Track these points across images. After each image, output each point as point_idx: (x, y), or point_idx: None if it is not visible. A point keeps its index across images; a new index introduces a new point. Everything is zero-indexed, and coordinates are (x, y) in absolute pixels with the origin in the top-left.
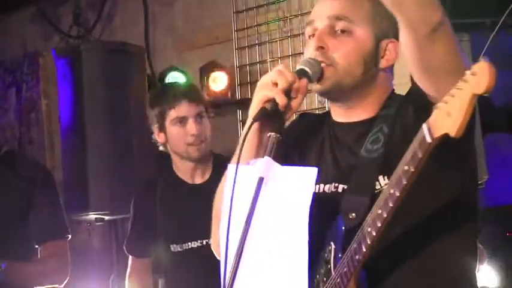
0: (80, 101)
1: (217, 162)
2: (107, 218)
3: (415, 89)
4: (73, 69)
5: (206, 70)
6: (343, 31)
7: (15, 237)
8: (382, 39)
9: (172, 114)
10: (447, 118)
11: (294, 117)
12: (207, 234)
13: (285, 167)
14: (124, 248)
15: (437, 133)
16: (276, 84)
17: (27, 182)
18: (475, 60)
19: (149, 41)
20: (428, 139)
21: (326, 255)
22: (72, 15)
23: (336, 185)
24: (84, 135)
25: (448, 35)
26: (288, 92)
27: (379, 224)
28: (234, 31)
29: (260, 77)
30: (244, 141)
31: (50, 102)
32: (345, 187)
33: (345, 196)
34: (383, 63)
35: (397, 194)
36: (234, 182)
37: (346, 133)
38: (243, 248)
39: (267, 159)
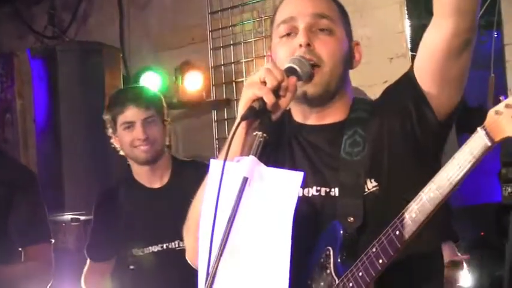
0: (56, 102)
1: (176, 166)
2: (82, 218)
3: (408, 80)
4: (48, 69)
5: (181, 70)
6: (322, 30)
7: None
8: (351, 40)
9: (121, 119)
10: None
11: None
12: (167, 238)
13: (271, 168)
14: (84, 252)
15: (499, 137)
16: (264, 83)
17: (7, 184)
18: None
19: (124, 42)
20: (489, 142)
21: (322, 259)
22: (47, 15)
23: (318, 188)
24: (59, 135)
25: (471, 52)
26: (276, 91)
27: (414, 228)
28: (209, 31)
29: (235, 77)
30: (232, 139)
31: (24, 103)
32: (327, 190)
33: (337, 200)
34: (354, 64)
35: (441, 197)
36: (221, 180)
37: (318, 136)
38: (224, 248)
39: (252, 159)
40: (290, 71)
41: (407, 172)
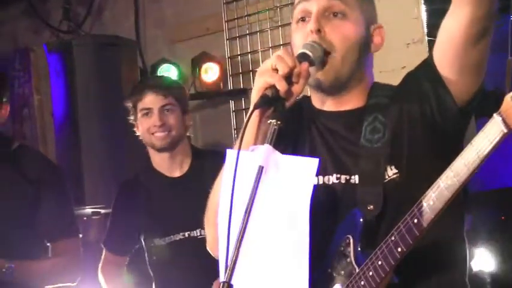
0: (73, 96)
1: (196, 155)
2: (102, 211)
3: (427, 67)
4: (65, 64)
5: (198, 61)
6: (336, 14)
7: (25, 236)
8: (370, 24)
9: (140, 105)
10: None
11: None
12: (189, 227)
13: (286, 156)
14: (102, 244)
15: None
16: (276, 70)
17: (36, 180)
18: None
19: (140, 34)
20: (505, 129)
21: (342, 248)
22: (62, 9)
23: (338, 176)
24: (77, 129)
25: (489, 39)
26: (288, 78)
27: (432, 216)
28: (225, 22)
29: (251, 67)
30: (245, 128)
31: (42, 98)
32: (347, 177)
33: (357, 187)
34: (373, 49)
35: (458, 184)
36: (235, 169)
37: (336, 122)
38: (242, 237)
39: (267, 147)
40: (302, 57)
41: (427, 159)
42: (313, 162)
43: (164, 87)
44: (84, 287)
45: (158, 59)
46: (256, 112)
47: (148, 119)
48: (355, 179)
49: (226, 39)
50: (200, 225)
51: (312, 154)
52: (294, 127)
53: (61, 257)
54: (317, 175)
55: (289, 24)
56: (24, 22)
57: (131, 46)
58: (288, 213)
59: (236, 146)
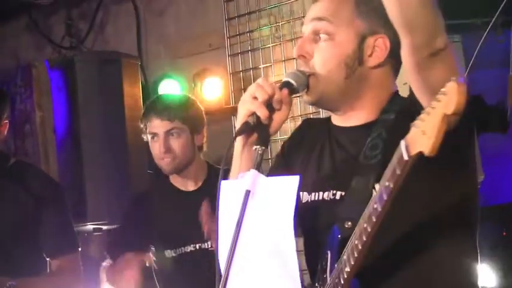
0: (75, 112)
1: (211, 172)
2: (104, 227)
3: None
4: (67, 80)
5: (199, 77)
6: (321, 37)
7: (26, 252)
8: (367, 36)
9: (148, 129)
10: (422, 136)
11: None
12: (200, 239)
13: (269, 177)
14: (105, 252)
15: (414, 151)
16: (256, 98)
17: (36, 196)
18: (468, 61)
19: (142, 50)
20: (406, 157)
21: (323, 263)
22: (64, 25)
23: (334, 192)
24: (79, 146)
25: (448, 57)
26: (270, 105)
27: (364, 238)
28: (227, 38)
29: (254, 82)
30: (227, 155)
31: (44, 114)
32: (342, 194)
33: (341, 204)
34: (372, 61)
35: (379, 209)
36: (219, 198)
37: (345, 137)
38: (231, 263)
39: (253, 172)
40: (285, 85)
41: (415, 179)
42: (294, 180)
43: (170, 111)
44: None
45: (160, 75)
46: (239, 139)
47: (155, 143)
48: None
49: (228, 55)
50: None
51: (319, 170)
52: (312, 143)
53: (62, 273)
54: (317, 191)
55: (291, 40)
56: (26, 38)
57: (133, 62)
58: (274, 232)
59: (231, 173)
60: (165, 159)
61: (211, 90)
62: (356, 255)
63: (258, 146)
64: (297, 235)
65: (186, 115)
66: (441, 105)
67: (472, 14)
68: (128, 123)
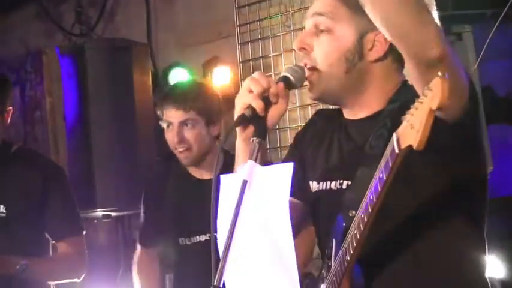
0: (85, 99)
1: (228, 159)
2: (113, 214)
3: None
4: (77, 67)
5: (209, 66)
6: (323, 30)
7: (30, 234)
8: (368, 32)
9: (163, 117)
10: (411, 130)
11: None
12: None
13: (264, 166)
14: (137, 238)
15: (404, 144)
16: (251, 91)
17: (41, 179)
18: (478, 52)
19: (152, 38)
20: (396, 150)
21: (328, 251)
22: (74, 13)
23: (341, 181)
24: (89, 132)
25: (449, 67)
26: (266, 98)
27: (361, 228)
28: (237, 26)
29: (263, 71)
30: (222, 147)
31: (53, 100)
32: (349, 183)
33: (346, 193)
34: (372, 56)
35: (374, 199)
36: (217, 191)
37: (354, 129)
38: (227, 252)
39: (250, 163)
40: (283, 80)
41: (418, 170)
42: (288, 167)
43: (186, 101)
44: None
45: (170, 63)
46: (238, 134)
47: (170, 132)
48: None
49: (238, 44)
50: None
51: (328, 160)
52: (322, 134)
53: (68, 255)
54: (326, 180)
55: (301, 29)
56: (37, 25)
57: (143, 50)
58: (270, 220)
59: (215, 169)
60: (181, 152)
61: (221, 78)
62: (355, 244)
63: (254, 138)
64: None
65: (202, 106)
66: (427, 100)
67: (482, 5)
68: (138, 110)
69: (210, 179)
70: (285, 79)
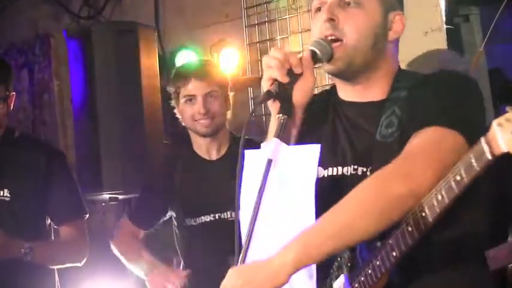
0: (92, 82)
1: (234, 141)
2: (120, 197)
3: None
4: (84, 50)
5: (216, 48)
6: (350, 3)
7: (32, 217)
8: (390, 11)
9: (183, 92)
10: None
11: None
12: (220, 208)
13: (291, 146)
14: (125, 213)
15: (499, 151)
16: (270, 66)
17: (43, 164)
18: (485, 34)
19: (159, 21)
20: (489, 156)
21: None
22: None
23: (355, 167)
24: (96, 115)
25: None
26: (290, 70)
27: (422, 227)
28: (244, 9)
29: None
30: (247, 124)
31: (61, 83)
32: (364, 169)
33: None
34: (391, 35)
35: (447, 201)
36: (240, 166)
37: (357, 113)
38: (253, 229)
39: (275, 141)
40: (310, 54)
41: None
42: (315, 148)
43: (208, 73)
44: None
45: (177, 46)
46: (272, 110)
47: (192, 105)
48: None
49: (245, 26)
50: (231, 207)
51: (334, 145)
52: (319, 118)
53: (70, 239)
54: (337, 166)
55: (308, 11)
56: (45, 8)
57: (150, 33)
58: (295, 200)
59: (241, 143)
60: (203, 121)
61: (228, 61)
62: (410, 241)
63: (280, 115)
64: None
65: (220, 80)
66: None
67: None
68: (145, 93)
69: (216, 160)
70: (312, 54)
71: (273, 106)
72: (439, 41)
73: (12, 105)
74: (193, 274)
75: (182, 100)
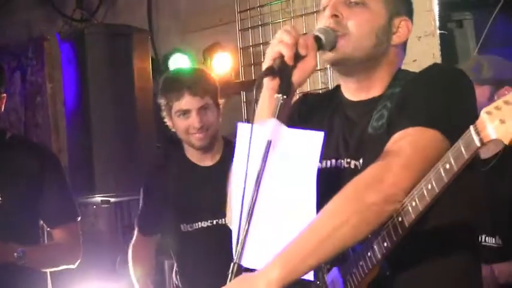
0: (85, 84)
1: (227, 146)
2: (112, 200)
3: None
4: (77, 52)
5: (209, 52)
6: (357, 3)
7: (24, 221)
8: (395, 16)
9: (176, 106)
10: (501, 125)
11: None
12: (216, 215)
13: (293, 129)
14: (135, 224)
15: (487, 138)
16: (282, 41)
17: (36, 166)
18: (478, 38)
19: (152, 24)
20: (478, 143)
21: None
22: None
23: (348, 160)
24: (89, 118)
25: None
26: (296, 50)
27: (413, 216)
28: (237, 13)
29: (263, 58)
30: (257, 99)
31: (54, 86)
32: (357, 163)
33: (355, 174)
34: (395, 40)
35: (437, 190)
36: (250, 143)
37: (356, 112)
38: (253, 209)
39: (274, 121)
40: (314, 38)
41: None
42: (318, 135)
43: (201, 87)
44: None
45: (170, 49)
46: (267, 85)
47: (185, 120)
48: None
49: (239, 30)
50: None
51: (329, 139)
52: (318, 114)
53: (63, 242)
54: (330, 159)
55: (301, 15)
56: (38, 11)
57: (143, 35)
58: (295, 185)
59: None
60: (198, 135)
61: (221, 64)
62: (401, 232)
63: (279, 95)
64: None
65: (212, 90)
66: None
67: None
68: (137, 96)
69: (211, 166)
70: (317, 39)
71: (270, 84)
72: (432, 46)
73: (2, 106)
74: (188, 279)
75: (175, 114)
